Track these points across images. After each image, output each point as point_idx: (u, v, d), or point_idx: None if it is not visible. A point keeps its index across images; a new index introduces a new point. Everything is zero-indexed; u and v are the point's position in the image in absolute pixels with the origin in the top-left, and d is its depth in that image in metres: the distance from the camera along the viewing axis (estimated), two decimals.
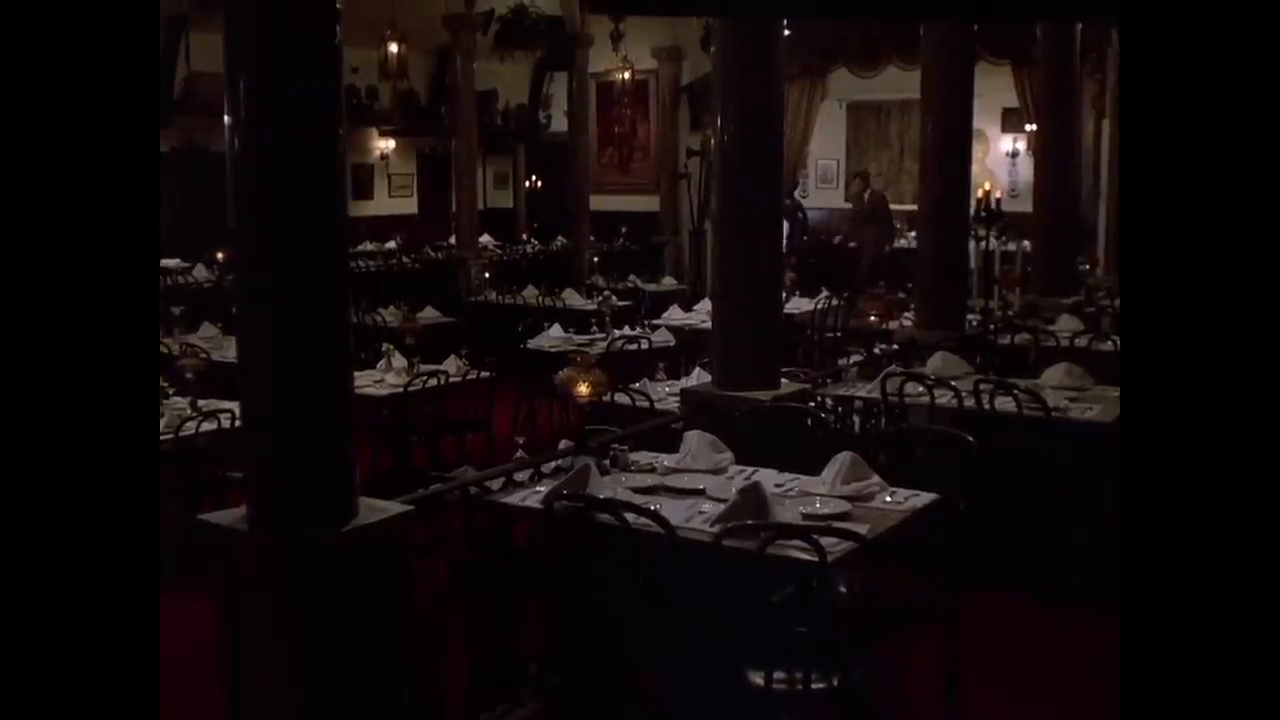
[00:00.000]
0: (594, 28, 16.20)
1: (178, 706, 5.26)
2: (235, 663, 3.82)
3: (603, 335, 10.64)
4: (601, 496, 4.49)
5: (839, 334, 11.82)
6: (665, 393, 7.54)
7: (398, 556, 3.94)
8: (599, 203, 17.60)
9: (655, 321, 11.60)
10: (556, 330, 10.92)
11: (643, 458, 5.34)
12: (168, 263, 13.85)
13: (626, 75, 16.97)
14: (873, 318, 9.17)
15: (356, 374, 9.06)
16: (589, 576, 4.43)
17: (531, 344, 10.67)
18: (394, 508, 3.95)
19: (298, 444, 3.71)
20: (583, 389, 5.09)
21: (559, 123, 19.06)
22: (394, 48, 14.20)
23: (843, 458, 4.87)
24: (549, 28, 16.31)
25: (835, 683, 4.13)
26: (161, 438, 7.16)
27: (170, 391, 7.71)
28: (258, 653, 3.78)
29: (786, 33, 6.71)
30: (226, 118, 3.58)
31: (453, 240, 16.43)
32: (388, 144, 18.99)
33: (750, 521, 4.20)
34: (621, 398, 7.46)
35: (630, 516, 4.27)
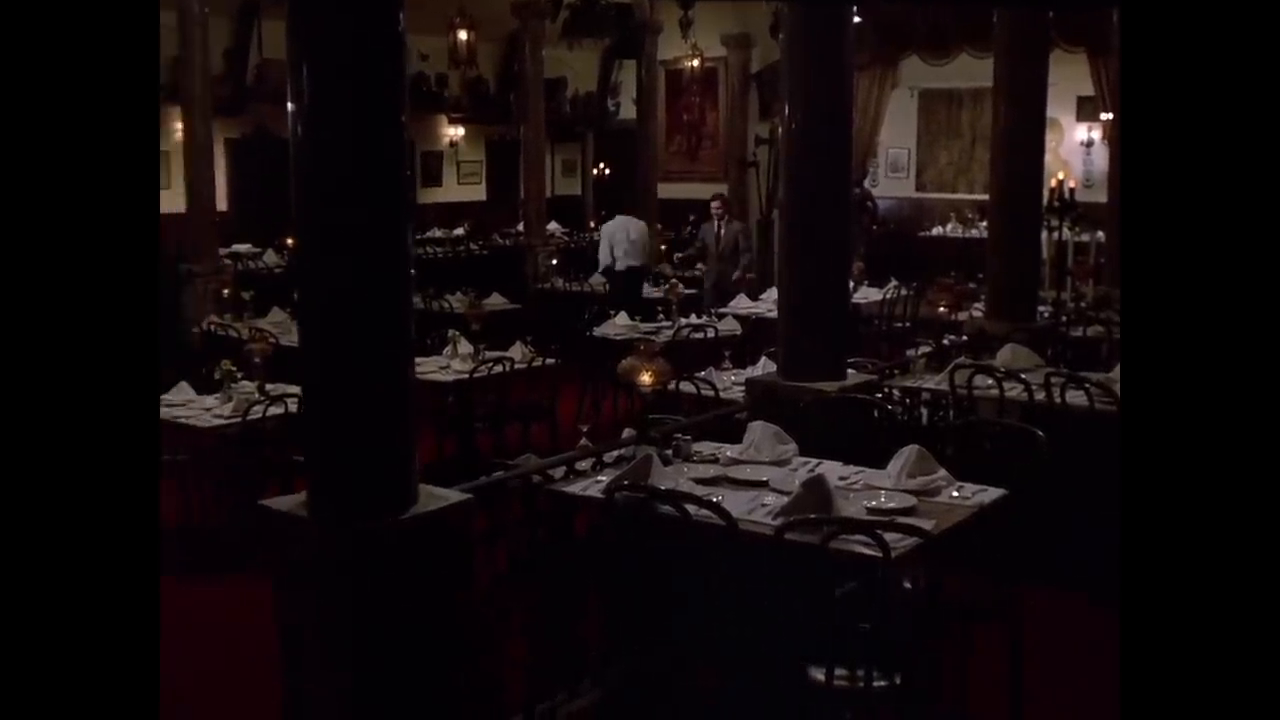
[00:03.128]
0: (663, 15, 16.13)
1: (239, 688, 5.35)
2: (291, 647, 3.83)
3: (669, 323, 10.61)
4: (663, 487, 4.45)
5: (908, 324, 11.69)
6: (730, 382, 7.49)
7: (457, 545, 3.93)
8: (666, 190, 17.54)
9: (721, 310, 11.53)
10: (622, 318, 10.90)
11: (705, 448, 5.30)
12: (239, 248, 14.00)
13: (695, 63, 16.87)
14: (942, 308, 9.02)
15: (422, 360, 9.19)
16: (649, 567, 4.38)
17: (597, 331, 10.66)
18: (454, 496, 3.94)
19: (357, 430, 3.71)
20: (645, 378, 5.03)
21: (627, 110, 19.01)
22: (463, 35, 14.22)
23: (908, 451, 4.79)
24: (618, 15, 16.25)
25: (897, 681, 4.07)
26: (228, 421, 7.26)
27: (238, 376, 7.78)
28: (313, 638, 3.78)
29: (856, 20, 6.61)
30: (290, 104, 3.58)
31: (520, 227, 16.46)
32: (457, 131, 19.06)
33: (813, 515, 4.13)
34: (686, 387, 7.43)
35: (691, 508, 4.22)
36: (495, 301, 12.35)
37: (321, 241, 3.67)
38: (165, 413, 7.52)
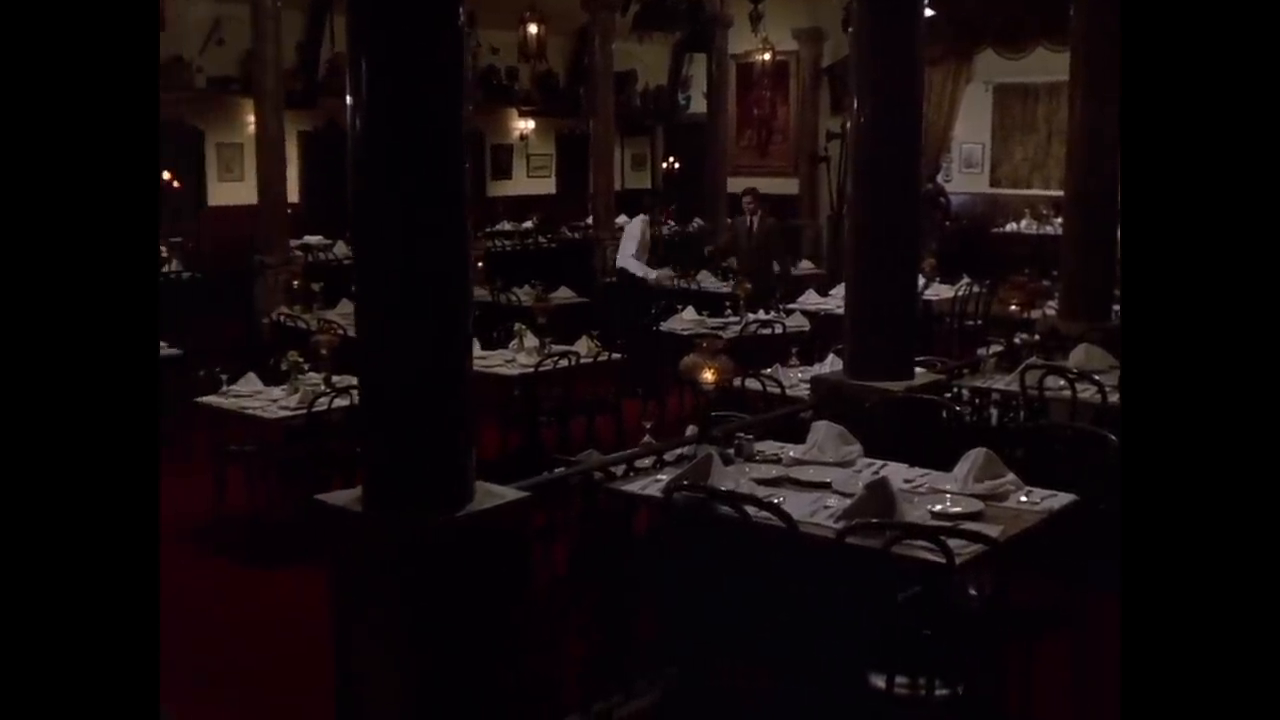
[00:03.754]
0: (734, 9, 16.02)
1: (300, 677, 5.35)
2: (344, 642, 3.82)
3: (736, 319, 10.52)
4: (723, 488, 4.39)
5: (979, 322, 11.50)
6: (797, 379, 7.39)
7: (512, 543, 3.89)
8: (736, 185, 17.36)
9: (790, 306, 11.41)
10: (690, 313, 10.81)
11: (768, 447, 5.22)
12: (310, 239, 14.11)
13: (766, 57, 16.75)
14: (1013, 306, 8.85)
15: (488, 353, 9.21)
16: (708, 568, 4.32)
17: (664, 326, 10.60)
18: (510, 494, 3.90)
19: (413, 426, 3.68)
20: (707, 375, 4.97)
21: (698, 104, 18.90)
22: (533, 29, 14.23)
23: (976, 454, 4.68)
24: (689, 9, 16.16)
25: (960, 690, 3.97)
26: (294, 413, 7.29)
27: (305, 367, 7.81)
28: (366, 633, 3.76)
29: (929, 13, 6.49)
30: (348, 98, 3.56)
31: (589, 221, 16.43)
32: (527, 124, 19.06)
33: (875, 520, 4.05)
34: (752, 383, 7.35)
35: (751, 510, 4.15)
36: (563, 295, 12.34)
37: (378, 234, 3.64)
38: (232, 403, 7.59)
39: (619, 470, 4.86)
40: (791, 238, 16.61)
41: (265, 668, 5.55)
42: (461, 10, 3.56)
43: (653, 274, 13.10)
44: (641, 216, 13.59)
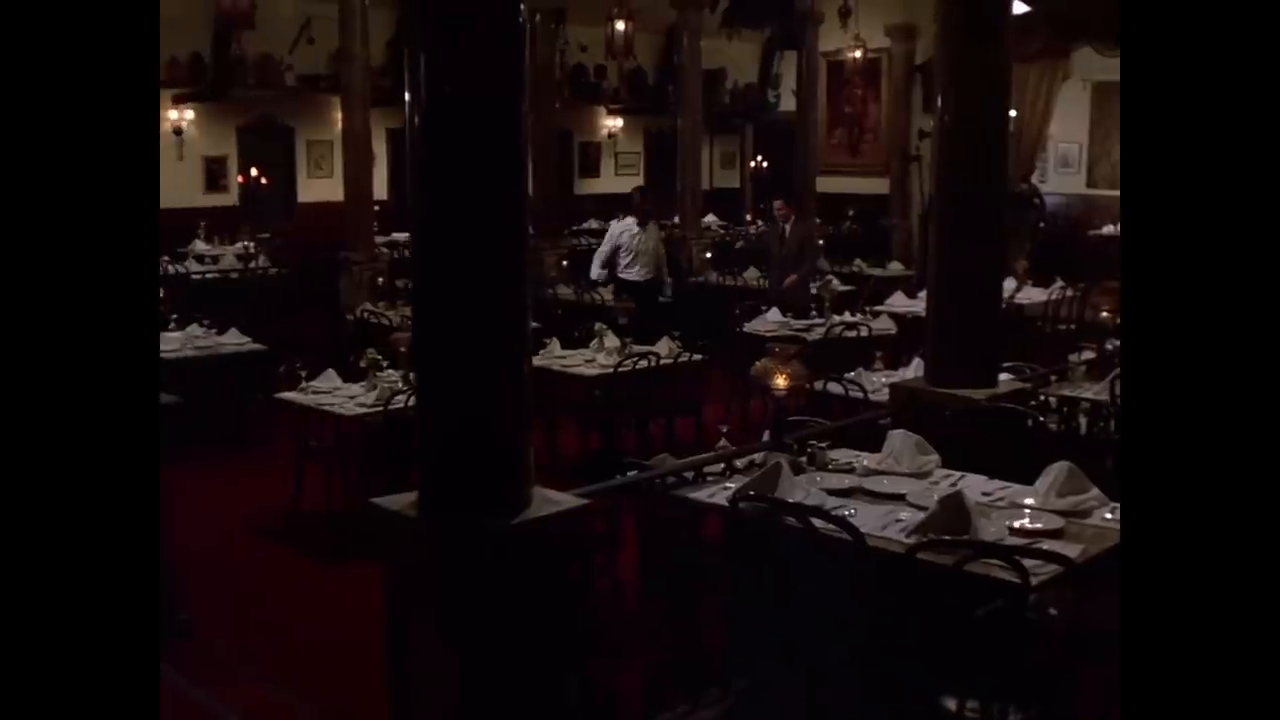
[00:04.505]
0: (825, 5, 15.80)
1: (355, 674, 5.31)
2: (397, 644, 3.75)
3: (821, 320, 10.36)
4: (791, 499, 4.25)
5: (1072, 327, 11.19)
6: (881, 384, 7.20)
7: (569, 551, 3.79)
8: (826, 184, 17.20)
9: (877, 308, 11.22)
10: (774, 314, 10.68)
11: (843, 456, 5.06)
12: (397, 236, 14.19)
13: (858, 54, 16.50)
14: (1105, 312, 8.56)
15: (568, 352, 9.16)
16: (774, 580, 4.18)
17: (747, 327, 10.46)
18: (568, 501, 3.80)
19: (468, 431, 3.59)
20: (780, 381, 4.82)
21: (788, 103, 18.70)
22: (620, 26, 14.15)
23: (1059, 468, 4.48)
24: (779, 5, 15.98)
25: (1035, 714, 3.79)
26: (371, 410, 7.29)
27: (384, 364, 7.81)
28: (418, 638, 3.69)
29: (1025, 8, 6.28)
30: (406, 94, 3.48)
31: (676, 220, 16.33)
32: (615, 122, 19.03)
33: (948, 537, 3.88)
34: (834, 387, 7.19)
35: (818, 522, 4.01)
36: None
37: (435, 234, 3.57)
38: (311, 400, 7.62)
39: (690, 475, 4.75)
40: (881, 237, 16.35)
41: (328, 662, 5.52)
42: (522, 5, 3.47)
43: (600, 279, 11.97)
44: (628, 220, 12.00)
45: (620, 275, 11.90)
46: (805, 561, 4.03)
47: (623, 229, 11.88)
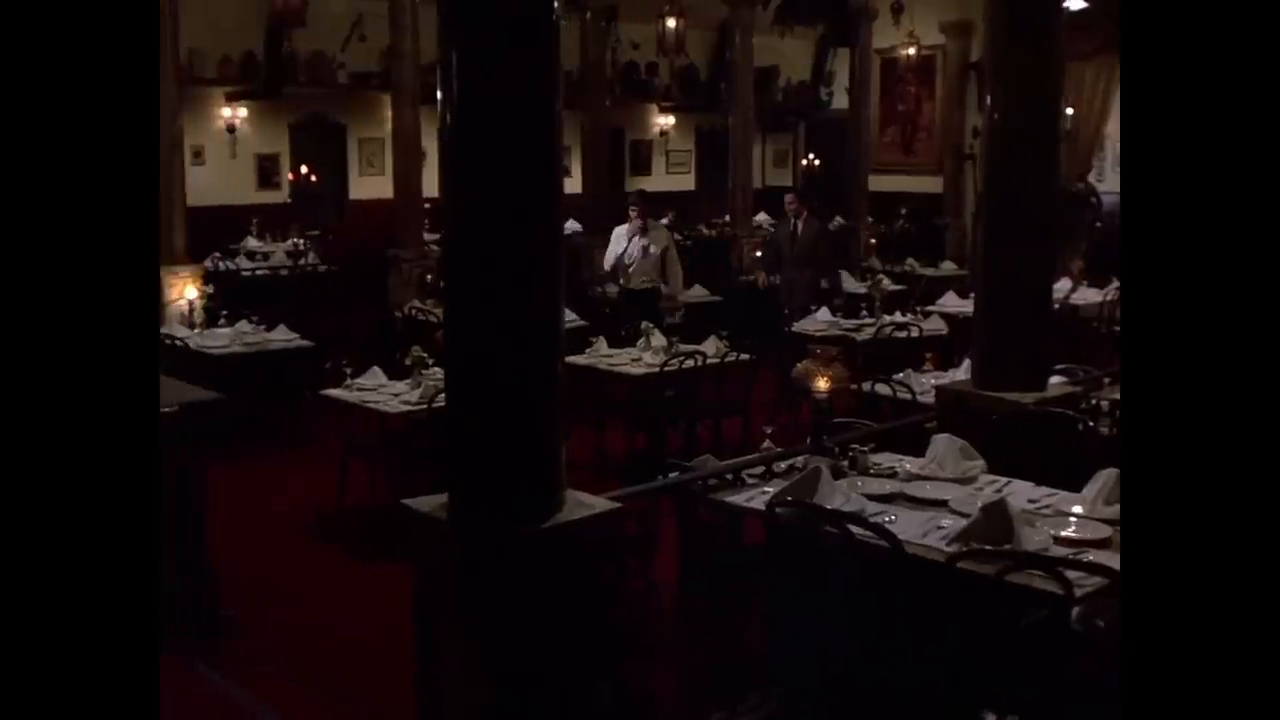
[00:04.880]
0: (878, 1, 15.65)
1: (388, 672, 5.28)
2: (425, 647, 3.71)
3: (871, 320, 10.24)
4: (830, 504, 4.16)
5: None
6: (930, 385, 7.08)
7: (602, 554, 3.73)
8: (879, 183, 17.05)
9: (929, 308, 11.08)
10: (824, 314, 10.57)
11: (885, 460, 4.97)
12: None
13: (911, 51, 16.33)
14: None
15: (615, 351, 9.10)
16: (812, 587, 4.11)
17: (796, 327, 10.36)
18: (601, 504, 3.74)
19: (499, 432, 3.54)
20: (820, 383, 4.74)
21: (841, 100, 18.56)
22: (671, 23, 14.08)
23: (1108, 474, 4.37)
24: (832, 2, 15.84)
25: None
26: (415, 408, 7.27)
27: (429, 362, 7.79)
28: (446, 641, 3.65)
29: (1082, 5, 6.15)
30: (439, 92, 3.44)
31: (727, 218, 16.24)
32: (667, 120, 18.95)
33: (989, 547, 3.78)
34: (882, 388, 7.09)
35: (856, 529, 3.92)
36: (696, 293, 12.20)
37: (468, 232, 3.52)
38: (356, 396, 7.62)
39: (729, 478, 4.68)
40: (844, 243, 16.10)
41: (368, 661, 5.49)
42: (556, 3, 3.41)
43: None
44: (622, 226, 10.88)
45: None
46: (842, 569, 3.95)
47: (616, 235, 10.86)
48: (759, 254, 15.19)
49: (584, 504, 3.71)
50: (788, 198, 11.92)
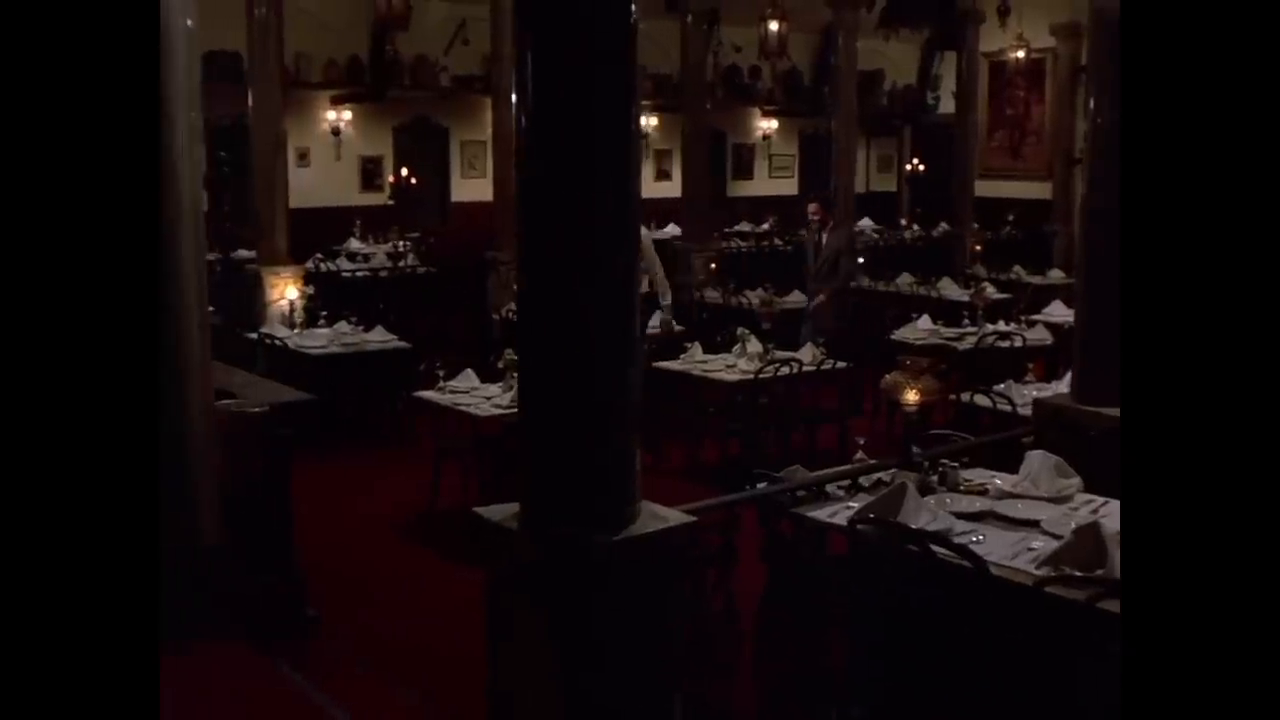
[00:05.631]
0: (986, 4, 15.35)
1: (468, 684, 5.24)
2: (494, 656, 3.66)
3: (973, 329, 10.02)
4: (915, 522, 4.02)
5: None
6: (1032, 397, 6.87)
7: (677, 567, 3.64)
8: (986, 188, 16.73)
9: (1034, 317, 10.78)
10: (925, 321, 10.38)
11: (977, 476, 4.81)
12: None
13: (1020, 54, 15.99)
14: None
15: (710, 357, 9.01)
16: (892, 606, 3.98)
17: (896, 335, 10.21)
18: (676, 517, 3.65)
19: (571, 443, 3.47)
20: (910, 396, 4.60)
21: (947, 104, 18.25)
22: (774, 26, 13.94)
23: None
24: (938, 4, 15.58)
25: None
26: (507, 411, 7.24)
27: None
28: (515, 651, 3.60)
29: None
30: (513, 94, 3.38)
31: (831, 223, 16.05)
32: (770, 124, 18.81)
33: (1079, 573, 3.62)
34: (982, 400, 6.90)
35: (938, 549, 3.79)
36: (795, 299, 12.05)
37: (540, 237, 3.45)
38: (448, 399, 7.64)
39: (814, 491, 4.57)
40: (1042, 244, 15.77)
41: (449, 664, 5.46)
42: (633, 5, 3.33)
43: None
44: None
45: None
46: (924, 589, 3.81)
47: None
48: (861, 260, 15.01)
49: (659, 516, 3.63)
50: (810, 206, 11.23)
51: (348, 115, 14.98)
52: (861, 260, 14.99)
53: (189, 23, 4.99)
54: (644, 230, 9.64)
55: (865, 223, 16.54)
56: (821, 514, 4.38)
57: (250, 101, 11.19)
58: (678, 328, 10.25)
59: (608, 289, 3.41)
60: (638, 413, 3.56)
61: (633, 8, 3.34)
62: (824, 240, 10.87)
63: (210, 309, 7.69)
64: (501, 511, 3.66)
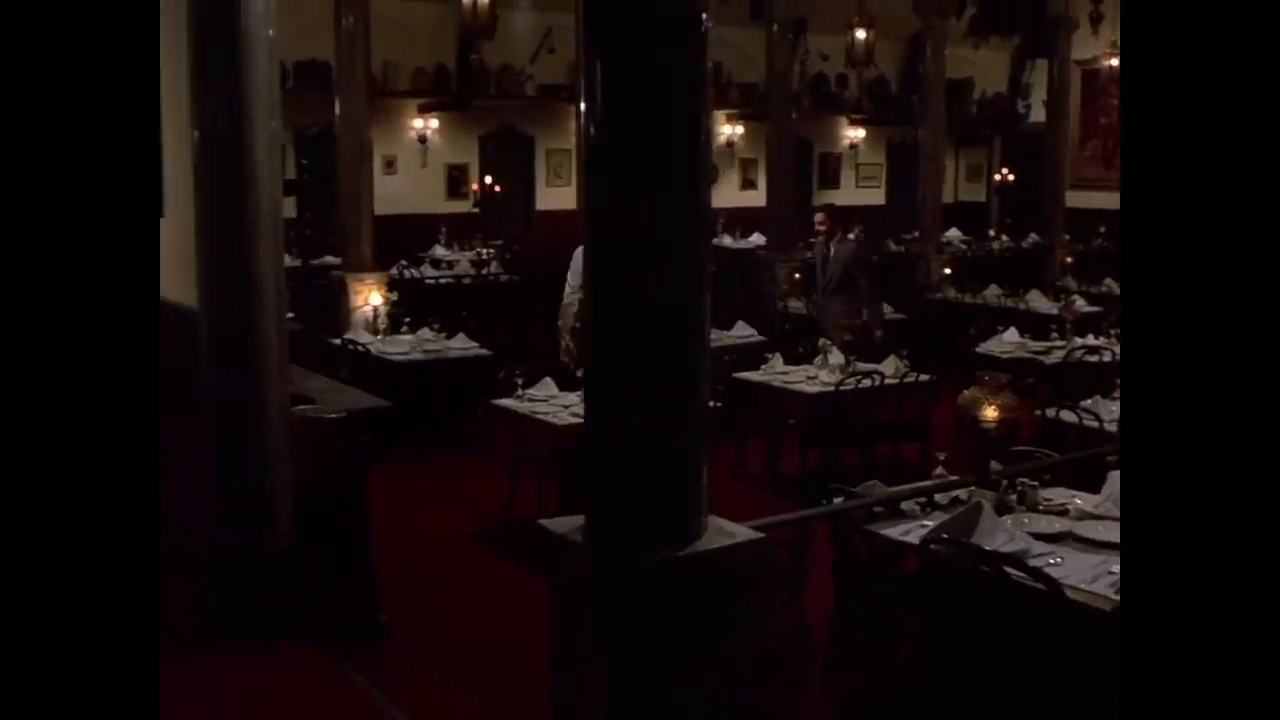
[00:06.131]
0: (1078, 10, 15.06)
1: (525, 695, 5.21)
2: (559, 670, 3.62)
3: (1061, 343, 9.82)
4: (990, 543, 3.92)
5: None
6: (1119, 414, 6.72)
7: (741, 585, 3.57)
8: (1077, 199, 16.41)
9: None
10: (1011, 334, 10.21)
11: (1057, 495, 4.68)
12: None
13: (1114, 61, 15.66)
14: None
15: (791, 368, 8.93)
16: (966, 628, 3.88)
17: (981, 348, 10.03)
18: (743, 533, 3.59)
19: (635, 455, 3.42)
20: (988, 412, 4.50)
21: (1039, 113, 17.96)
22: (860, 34, 13.80)
23: None
24: (1029, 11, 15.32)
25: None
26: (583, 420, 7.23)
27: None
28: (582, 665, 3.55)
29: None
30: (583, 103, 3.35)
31: (916, 234, 15.86)
32: (857, 133, 18.64)
33: None
34: (1068, 415, 6.76)
35: (1013, 571, 3.68)
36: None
37: (608, 247, 3.42)
38: (526, 407, 7.64)
39: (888, 508, 4.48)
40: (1078, 263, 15.39)
41: (519, 673, 5.44)
42: (706, 14, 3.29)
43: None
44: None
45: None
46: (998, 612, 3.71)
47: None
48: (948, 270, 14.80)
49: (726, 532, 3.57)
50: (817, 216, 10.85)
51: (434, 123, 15.11)
52: (948, 271, 14.79)
53: (269, 33, 5.05)
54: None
55: (953, 233, 16.31)
56: (894, 531, 4.30)
57: (337, 110, 11.33)
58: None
59: (675, 297, 3.36)
60: (706, 425, 3.51)
61: (704, 17, 3.29)
62: (832, 252, 10.57)
63: (290, 314, 7.80)
64: (567, 524, 3.63)
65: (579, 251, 8.74)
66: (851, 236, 10.98)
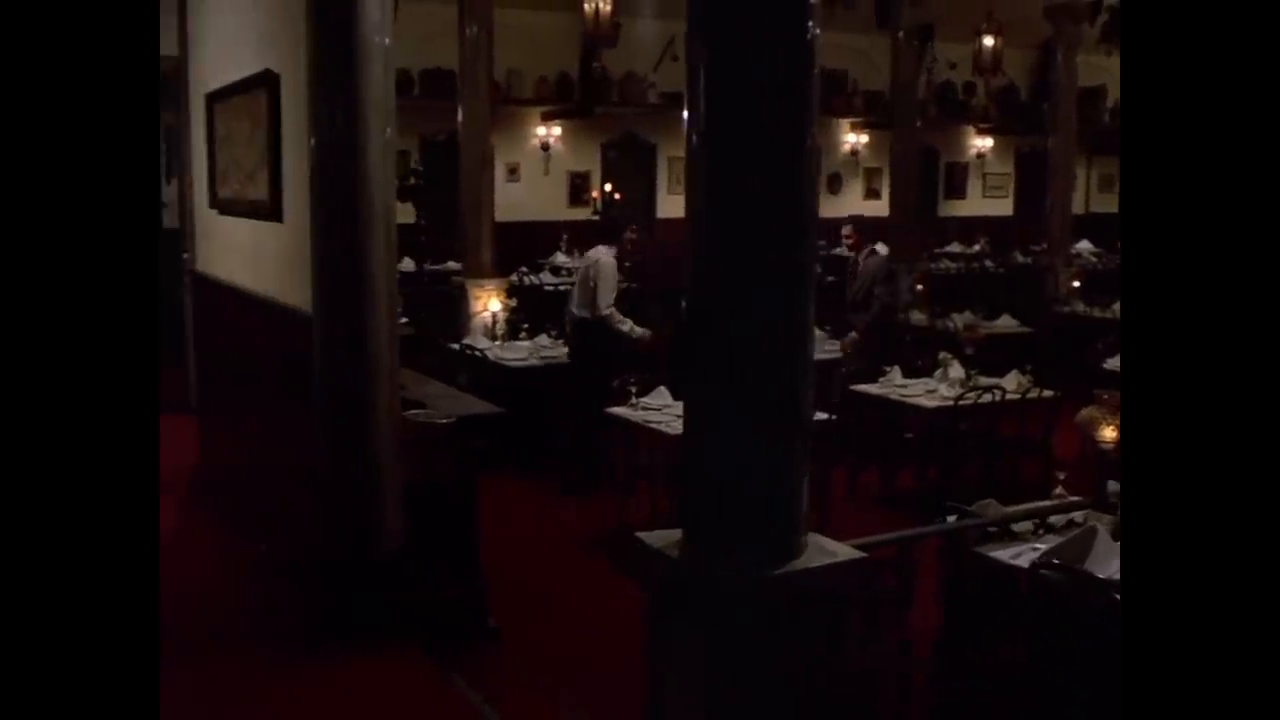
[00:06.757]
0: None
1: (623, 707, 5.17)
2: (653, 686, 3.57)
3: None
4: (1104, 569, 3.77)
5: None
6: None
7: (840, 605, 3.49)
8: None
9: None
10: None
11: None
12: None
13: None
14: None
15: (910, 381, 8.78)
16: (1076, 661, 3.73)
17: (1108, 364, 9.72)
18: (845, 552, 3.50)
19: (734, 473, 3.35)
20: (1107, 433, 4.34)
21: None
22: (988, 42, 13.51)
23: None
24: None
25: None
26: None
27: None
28: (673, 682, 3.50)
29: None
30: (686, 111, 3.31)
31: (1044, 245, 15.49)
32: (984, 142, 18.29)
33: None
34: None
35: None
36: (1003, 324, 11.68)
37: (710, 255, 3.36)
38: (639, 416, 7.61)
39: (1003, 528, 4.35)
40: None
41: (616, 684, 5.40)
42: (813, 22, 3.21)
43: (637, 330, 9.31)
44: (612, 249, 9.42)
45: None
46: (1109, 644, 3.56)
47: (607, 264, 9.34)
48: (1077, 283, 14.40)
49: (826, 550, 3.48)
50: (844, 229, 10.57)
51: (557, 131, 15.21)
52: (1077, 284, 14.40)
53: (385, 40, 5.11)
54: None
55: (1083, 245, 15.89)
56: (1005, 554, 4.16)
57: (460, 117, 11.45)
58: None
59: (777, 306, 3.30)
60: (807, 439, 3.43)
61: (810, 24, 3.22)
62: (859, 265, 10.31)
63: (404, 319, 7.86)
64: (664, 538, 3.58)
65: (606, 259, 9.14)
66: (879, 250, 10.75)
